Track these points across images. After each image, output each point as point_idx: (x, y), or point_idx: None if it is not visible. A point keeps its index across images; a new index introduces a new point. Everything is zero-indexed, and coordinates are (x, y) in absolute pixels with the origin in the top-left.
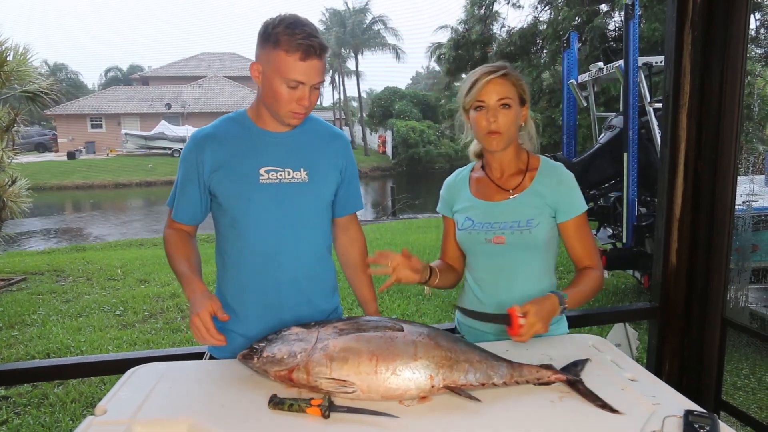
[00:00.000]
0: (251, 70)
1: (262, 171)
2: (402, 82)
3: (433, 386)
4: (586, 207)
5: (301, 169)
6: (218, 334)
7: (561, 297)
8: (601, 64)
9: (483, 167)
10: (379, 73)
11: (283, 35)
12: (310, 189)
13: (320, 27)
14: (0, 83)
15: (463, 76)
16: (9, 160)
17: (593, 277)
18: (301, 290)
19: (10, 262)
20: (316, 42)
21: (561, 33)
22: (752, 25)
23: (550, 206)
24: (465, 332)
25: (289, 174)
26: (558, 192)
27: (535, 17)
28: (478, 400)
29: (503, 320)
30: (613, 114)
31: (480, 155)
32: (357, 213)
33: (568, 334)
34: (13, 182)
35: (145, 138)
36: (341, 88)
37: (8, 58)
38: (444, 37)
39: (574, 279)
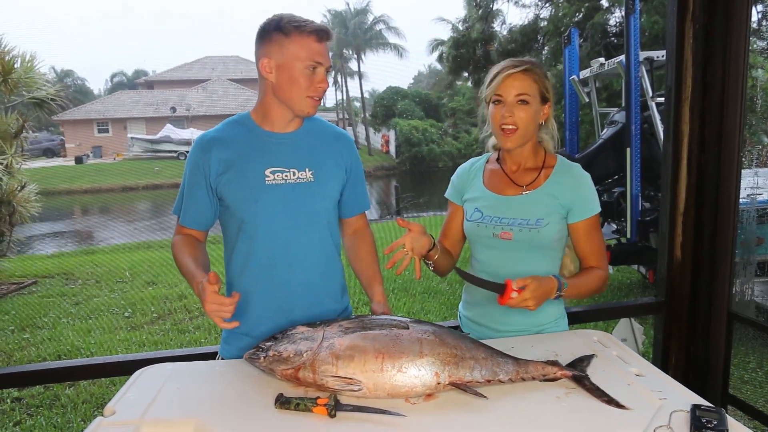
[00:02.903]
0: (262, 67)
1: (267, 172)
2: (404, 81)
3: (438, 383)
4: (599, 209)
5: (306, 169)
6: (231, 304)
7: (561, 283)
8: (602, 59)
9: (498, 160)
10: (381, 73)
11: (292, 24)
12: (316, 189)
13: None
14: (8, 90)
15: (465, 74)
16: (18, 166)
17: (596, 275)
18: (311, 291)
19: (21, 266)
20: (325, 26)
21: (562, 29)
22: (754, 17)
23: (563, 206)
24: (468, 328)
25: (294, 174)
26: (573, 193)
27: (536, 14)
28: (484, 397)
29: (497, 289)
30: (616, 109)
31: (498, 147)
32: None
33: (573, 330)
34: (23, 187)
35: (151, 141)
36: (344, 88)
37: (16, 66)
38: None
39: (577, 273)
